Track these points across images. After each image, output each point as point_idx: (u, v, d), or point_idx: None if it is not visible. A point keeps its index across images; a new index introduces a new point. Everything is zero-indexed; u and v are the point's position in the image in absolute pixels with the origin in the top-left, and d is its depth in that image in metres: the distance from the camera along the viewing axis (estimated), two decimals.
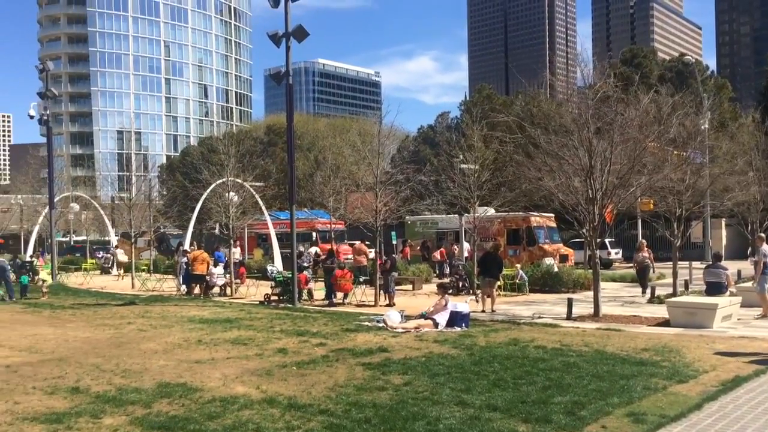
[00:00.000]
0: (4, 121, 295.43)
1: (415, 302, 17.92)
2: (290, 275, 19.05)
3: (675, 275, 18.07)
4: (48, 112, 28.97)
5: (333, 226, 30.15)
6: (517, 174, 19.18)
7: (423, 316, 13.30)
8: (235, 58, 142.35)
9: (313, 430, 6.41)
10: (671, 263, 18.71)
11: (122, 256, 32.86)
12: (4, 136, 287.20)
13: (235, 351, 10.79)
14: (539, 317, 14.72)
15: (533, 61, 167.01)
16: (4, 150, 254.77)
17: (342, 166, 28.87)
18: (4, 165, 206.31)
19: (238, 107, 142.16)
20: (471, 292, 19.67)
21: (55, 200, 33.34)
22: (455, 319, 12.97)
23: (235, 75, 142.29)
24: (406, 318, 13.56)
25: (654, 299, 17.43)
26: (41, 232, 37.80)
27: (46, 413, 7.15)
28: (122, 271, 31.73)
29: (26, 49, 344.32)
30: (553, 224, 28.45)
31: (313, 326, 13.43)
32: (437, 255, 27.74)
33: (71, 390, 8.21)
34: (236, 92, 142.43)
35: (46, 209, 33.11)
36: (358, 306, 18.01)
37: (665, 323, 13.33)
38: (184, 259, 23.13)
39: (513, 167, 19.96)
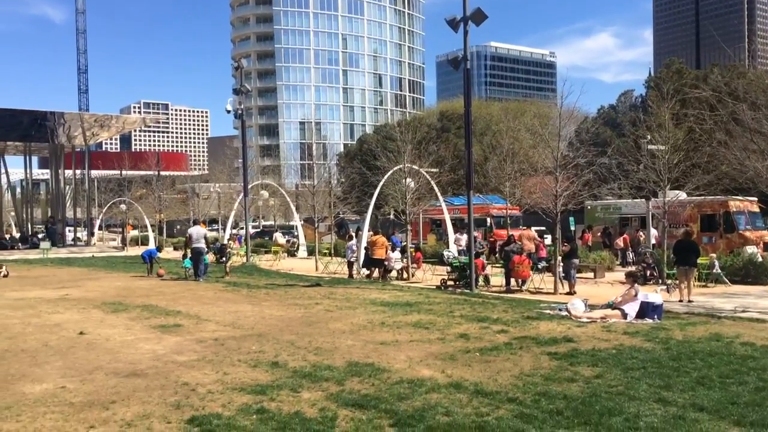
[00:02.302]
0: (203, 116, 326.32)
1: (598, 291, 17.15)
2: (466, 260, 19.03)
3: None
4: (242, 106, 31.28)
5: (508, 211, 29.63)
6: (714, 155, 17.57)
7: (609, 305, 12.62)
8: (408, 47, 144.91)
9: (503, 419, 6.31)
10: None
11: (281, 239, 35.75)
12: (203, 129, 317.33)
13: (418, 334, 10.96)
14: (743, 311, 13.38)
15: (729, 30, 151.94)
16: (203, 142, 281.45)
17: (518, 150, 28.23)
18: (204, 156, 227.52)
19: (411, 95, 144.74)
20: (661, 281, 18.38)
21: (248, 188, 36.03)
22: (646, 310, 12.16)
23: (408, 63, 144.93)
24: (590, 307, 12.95)
25: None
26: (236, 218, 41.19)
27: (251, 384, 7.73)
28: (281, 253, 33.99)
29: (220, 51, 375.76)
30: (756, 209, 25.71)
31: (492, 312, 13.29)
32: (620, 242, 26.29)
33: (271, 364, 8.81)
34: (409, 80, 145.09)
35: (241, 196, 35.95)
36: (535, 293, 17.58)
37: None
38: (352, 243, 24.11)
39: (709, 147, 18.31)
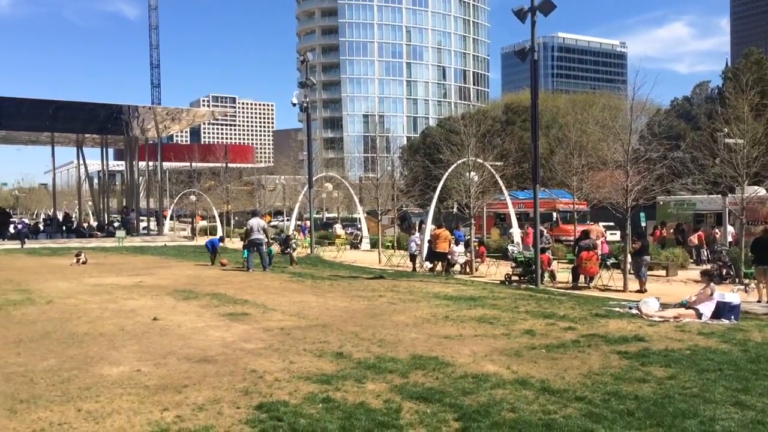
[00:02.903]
0: (269, 109, 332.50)
1: (670, 289, 16.59)
2: (531, 255, 18.74)
3: None
4: (307, 99, 31.66)
5: (575, 206, 28.97)
6: None
7: (683, 304, 12.18)
8: (473, 38, 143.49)
9: (571, 417, 6.18)
10: None
11: (340, 231, 37.12)
12: (269, 122, 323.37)
13: (482, 329, 10.86)
14: None
15: None
16: (268, 135, 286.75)
17: (586, 143, 27.50)
18: (270, 148, 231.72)
19: (475, 87, 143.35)
20: (738, 280, 17.63)
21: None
22: (722, 310, 11.68)
23: (473, 55, 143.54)
24: (663, 306, 12.54)
25: None
26: (300, 209, 41.83)
27: (316, 374, 7.84)
28: (343, 245, 34.49)
29: (285, 44, 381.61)
30: None
31: (559, 309, 13.04)
32: (694, 239, 25.33)
33: (336, 354, 8.91)
34: (473, 72, 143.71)
35: (305, 188, 36.44)
36: (603, 290, 17.16)
37: None
38: (415, 236, 24.13)
39: None
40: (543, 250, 19.26)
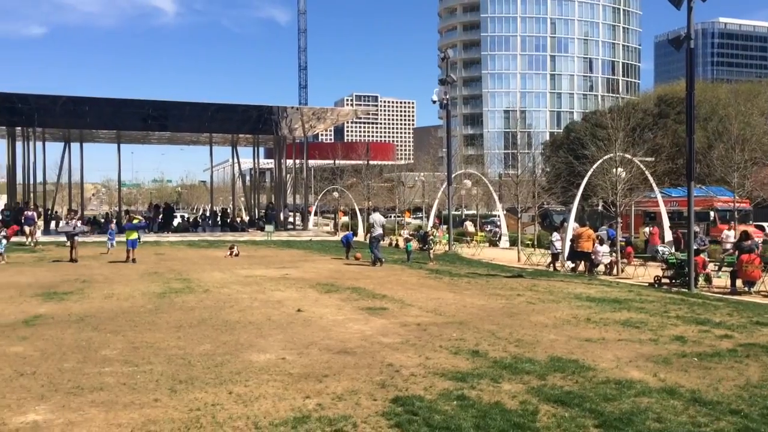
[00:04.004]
0: (409, 107, 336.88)
1: None
2: (684, 257, 17.56)
3: None
4: (447, 96, 31.67)
5: (736, 205, 26.76)
6: None
7: None
8: (623, 27, 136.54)
9: (723, 431, 5.74)
10: None
11: (471, 228, 37.49)
12: (409, 120, 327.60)
13: (626, 333, 10.36)
14: None
15: None
16: (409, 132, 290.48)
17: (749, 137, 25.30)
18: (410, 146, 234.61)
19: (625, 78, 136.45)
20: None
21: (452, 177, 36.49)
22: None
23: (623, 45, 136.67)
24: None
25: None
26: (439, 206, 41.99)
27: (452, 371, 7.86)
28: (479, 242, 34.20)
29: (427, 42, 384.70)
30: None
31: (714, 315, 12.13)
32: None
33: (471, 353, 8.88)
34: (623, 63, 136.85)
35: (444, 185, 36.52)
36: (767, 297, 15.71)
37: None
38: (555, 236, 23.40)
39: None
40: (698, 252, 17.98)
